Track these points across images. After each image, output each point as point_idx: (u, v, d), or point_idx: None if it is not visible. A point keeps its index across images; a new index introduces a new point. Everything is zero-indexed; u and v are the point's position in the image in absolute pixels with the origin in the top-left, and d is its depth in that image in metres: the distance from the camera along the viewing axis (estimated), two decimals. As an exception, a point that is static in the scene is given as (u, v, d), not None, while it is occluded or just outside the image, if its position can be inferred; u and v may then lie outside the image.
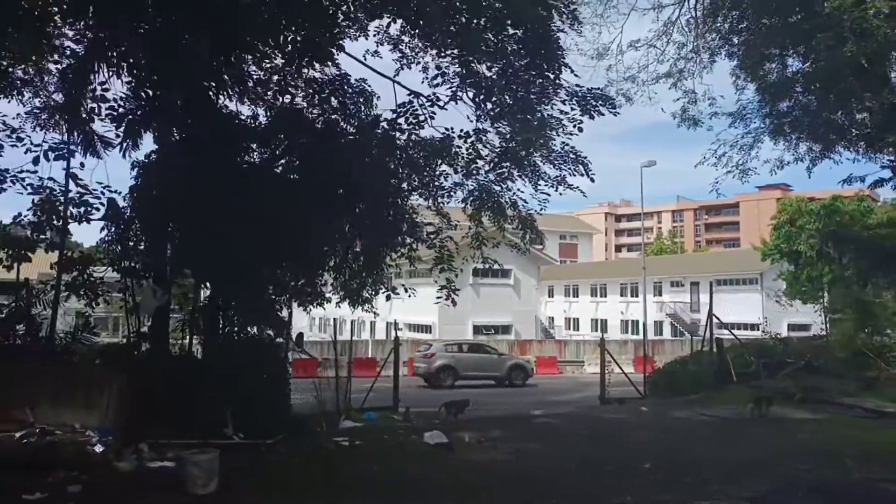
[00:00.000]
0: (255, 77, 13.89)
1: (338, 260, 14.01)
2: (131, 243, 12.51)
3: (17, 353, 11.24)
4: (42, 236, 12.18)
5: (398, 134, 13.20)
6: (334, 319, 20.07)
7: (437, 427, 12.23)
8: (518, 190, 14.26)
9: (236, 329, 12.27)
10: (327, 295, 14.18)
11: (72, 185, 12.02)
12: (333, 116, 14.00)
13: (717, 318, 21.46)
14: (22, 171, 11.89)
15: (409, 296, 14.11)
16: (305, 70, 12.77)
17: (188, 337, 12.46)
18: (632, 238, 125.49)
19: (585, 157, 13.09)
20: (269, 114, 14.34)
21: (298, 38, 11.77)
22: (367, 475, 8.99)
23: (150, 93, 13.14)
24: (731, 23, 18.14)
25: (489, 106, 12.02)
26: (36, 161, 11.45)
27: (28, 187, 11.86)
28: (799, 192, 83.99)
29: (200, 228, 11.74)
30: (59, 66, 13.52)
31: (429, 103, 12.59)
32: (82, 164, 12.40)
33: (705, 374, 19.39)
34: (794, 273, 42.57)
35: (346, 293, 14.31)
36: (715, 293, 63.39)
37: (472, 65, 11.16)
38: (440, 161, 13.89)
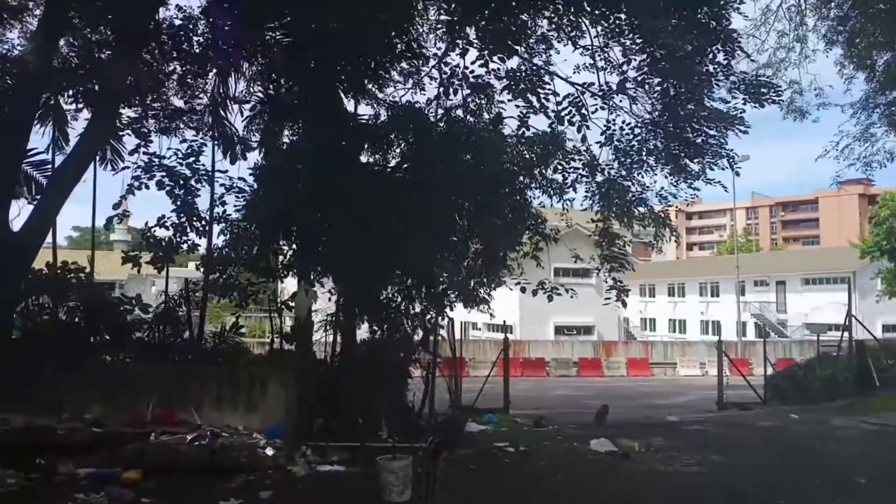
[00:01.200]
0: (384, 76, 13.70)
1: (454, 259, 13.61)
2: (250, 246, 12.53)
3: (166, 353, 11.25)
4: (184, 237, 12.24)
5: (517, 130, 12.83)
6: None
7: (571, 431, 11.78)
8: (650, 184, 13.69)
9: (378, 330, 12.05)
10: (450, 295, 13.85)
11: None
12: (455, 113, 13.69)
13: (857, 320, 20.26)
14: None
15: (571, 295, 13.45)
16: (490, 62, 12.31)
17: (331, 337, 12.29)
18: (703, 236, 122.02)
19: (732, 150, 12.41)
20: (389, 112, 14.21)
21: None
22: (565, 489, 8.59)
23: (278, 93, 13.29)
24: (839, 9, 17.20)
25: (656, 93, 11.38)
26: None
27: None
28: (885, 187, 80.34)
29: (323, 229, 11.60)
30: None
31: (600, 93, 11.95)
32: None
33: (841, 379, 18.30)
34: (894, 271, 40.54)
35: (463, 293, 13.88)
36: (801, 292, 61.12)
37: (655, 53, 10.52)
38: (559, 156, 13.45)
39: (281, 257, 12.75)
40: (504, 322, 47.44)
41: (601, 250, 13.67)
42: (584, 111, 11.79)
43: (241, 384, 9.86)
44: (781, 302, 59.05)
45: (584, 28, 11.91)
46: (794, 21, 18.25)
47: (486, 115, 13.72)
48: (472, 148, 12.60)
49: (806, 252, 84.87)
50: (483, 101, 13.86)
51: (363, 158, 13.70)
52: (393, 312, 12.50)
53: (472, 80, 12.39)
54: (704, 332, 63.48)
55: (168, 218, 12.10)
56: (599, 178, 13.89)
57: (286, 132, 13.45)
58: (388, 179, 13.04)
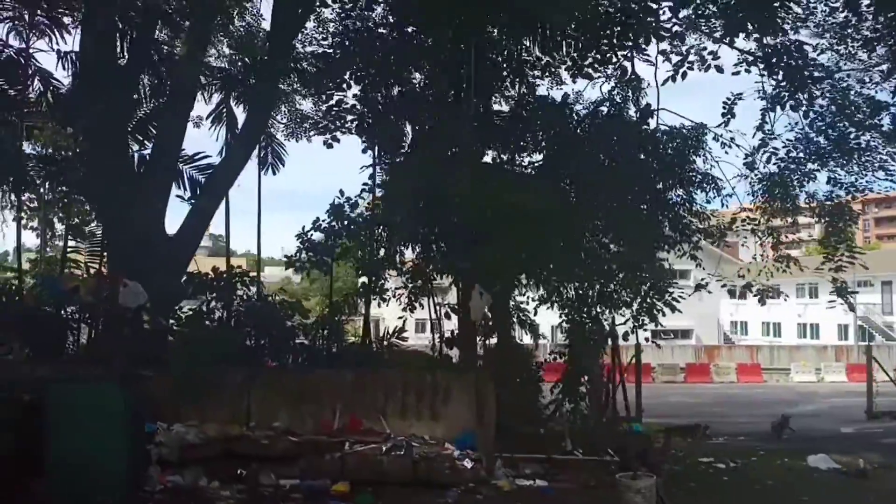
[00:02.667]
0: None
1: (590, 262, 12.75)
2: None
3: (334, 358, 10.95)
4: (338, 240, 12.01)
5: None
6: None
7: (752, 443, 10.92)
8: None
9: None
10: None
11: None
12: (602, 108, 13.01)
13: None
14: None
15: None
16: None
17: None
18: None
19: None
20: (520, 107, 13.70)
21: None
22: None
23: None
24: None
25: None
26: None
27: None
28: None
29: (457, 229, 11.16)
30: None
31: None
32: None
33: None
34: None
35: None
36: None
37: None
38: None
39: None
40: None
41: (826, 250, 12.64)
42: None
43: (426, 391, 9.42)
44: (888, 303, 55.83)
45: None
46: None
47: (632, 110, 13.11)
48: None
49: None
50: (629, 94, 13.26)
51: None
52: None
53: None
54: (801, 336, 60.60)
55: (322, 221, 11.97)
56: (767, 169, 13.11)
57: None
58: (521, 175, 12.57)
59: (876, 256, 76.92)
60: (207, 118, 12.41)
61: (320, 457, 8.26)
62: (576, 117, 12.99)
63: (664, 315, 11.07)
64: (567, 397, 10.91)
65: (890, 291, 55.87)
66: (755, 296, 12.54)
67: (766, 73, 11.08)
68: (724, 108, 11.45)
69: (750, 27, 10.15)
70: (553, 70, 13.45)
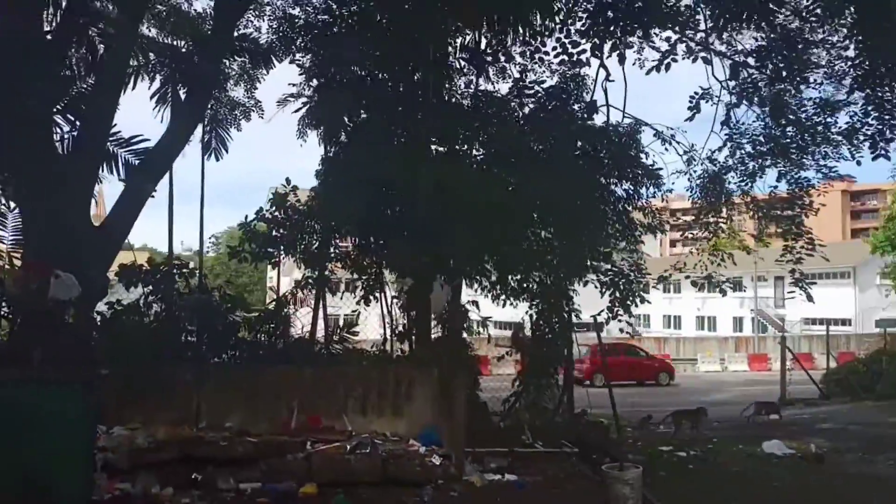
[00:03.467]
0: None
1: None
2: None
3: (279, 355, 10.39)
4: (283, 231, 11.44)
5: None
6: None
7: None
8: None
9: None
10: None
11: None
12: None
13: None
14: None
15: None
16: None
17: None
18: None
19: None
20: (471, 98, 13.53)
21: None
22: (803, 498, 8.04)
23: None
24: None
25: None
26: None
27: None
28: (866, 184, 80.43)
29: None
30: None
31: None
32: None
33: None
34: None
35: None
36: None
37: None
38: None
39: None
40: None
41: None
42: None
43: (388, 386, 9.07)
44: (779, 297, 59.37)
45: None
46: None
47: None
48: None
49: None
50: (574, 89, 13.29)
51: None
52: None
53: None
54: (700, 328, 63.72)
55: (266, 211, 11.39)
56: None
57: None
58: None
59: (769, 254, 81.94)
60: (152, 98, 11.53)
61: (282, 458, 7.77)
62: (521, 112, 12.98)
63: (637, 306, 11.27)
64: (527, 390, 10.81)
65: (782, 286, 59.38)
66: (717, 288, 12.87)
67: (758, 65, 11.29)
68: (690, 102, 11.64)
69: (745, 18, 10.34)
70: (503, 60, 13.24)
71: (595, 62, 12.13)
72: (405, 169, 10.39)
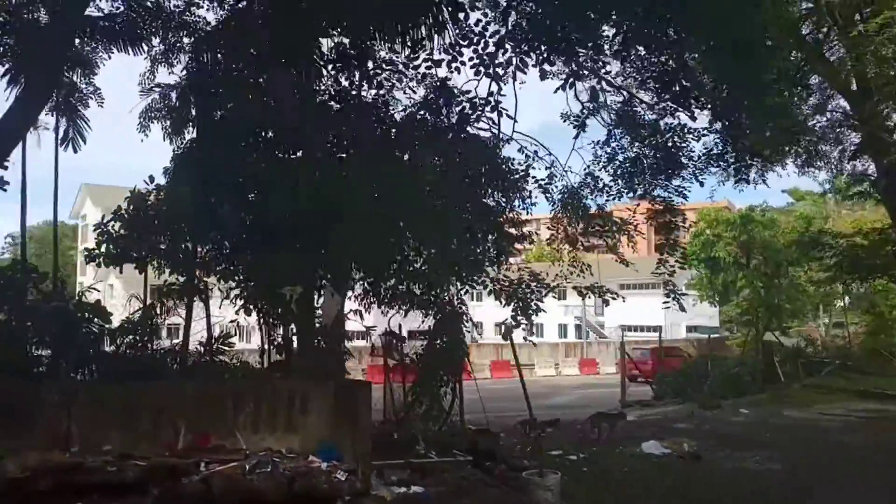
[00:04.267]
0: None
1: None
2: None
3: (150, 369, 9.48)
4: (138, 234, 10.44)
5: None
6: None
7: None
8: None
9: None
10: None
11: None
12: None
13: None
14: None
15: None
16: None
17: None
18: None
19: None
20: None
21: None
22: (691, 492, 8.55)
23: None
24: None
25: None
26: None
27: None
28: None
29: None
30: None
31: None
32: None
33: (746, 376, 19.91)
34: (709, 277, 45.59)
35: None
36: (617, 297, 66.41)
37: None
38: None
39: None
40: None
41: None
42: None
43: (280, 401, 8.52)
44: (600, 306, 63.81)
45: None
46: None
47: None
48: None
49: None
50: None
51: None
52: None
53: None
54: (530, 334, 66.58)
55: (124, 211, 10.36)
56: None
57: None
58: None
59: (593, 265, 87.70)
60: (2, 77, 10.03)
61: (177, 481, 7.03)
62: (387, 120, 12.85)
63: (537, 315, 11.46)
64: (421, 400, 10.63)
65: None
66: (600, 297, 13.46)
67: (658, 89, 11.85)
68: (575, 121, 12.11)
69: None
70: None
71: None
72: (266, 170, 9.92)
